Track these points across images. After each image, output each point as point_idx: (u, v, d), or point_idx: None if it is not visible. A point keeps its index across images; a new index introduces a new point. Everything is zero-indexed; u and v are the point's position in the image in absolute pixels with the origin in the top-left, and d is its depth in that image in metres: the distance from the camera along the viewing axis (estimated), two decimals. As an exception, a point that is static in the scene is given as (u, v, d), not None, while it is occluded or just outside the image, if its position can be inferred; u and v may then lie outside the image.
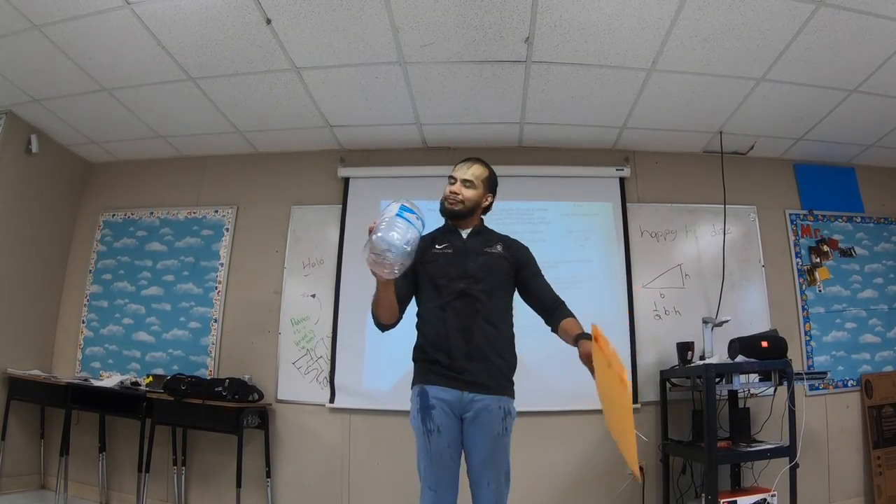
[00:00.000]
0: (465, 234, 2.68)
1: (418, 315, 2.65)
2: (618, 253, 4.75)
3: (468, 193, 2.65)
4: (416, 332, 2.64)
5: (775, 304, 4.67)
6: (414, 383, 2.55)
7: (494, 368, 2.46)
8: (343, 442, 4.51)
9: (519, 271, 2.65)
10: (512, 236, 2.79)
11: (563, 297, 2.65)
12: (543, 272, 2.71)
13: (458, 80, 4.09)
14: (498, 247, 2.65)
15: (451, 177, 2.68)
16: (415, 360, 2.60)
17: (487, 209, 2.77)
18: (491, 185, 2.74)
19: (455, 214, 2.66)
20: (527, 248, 2.75)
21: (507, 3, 3.32)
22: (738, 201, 4.83)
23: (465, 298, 2.50)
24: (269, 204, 5.10)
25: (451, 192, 2.65)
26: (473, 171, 2.67)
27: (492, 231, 2.77)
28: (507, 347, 2.56)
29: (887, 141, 4.72)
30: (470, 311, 2.49)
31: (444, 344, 2.44)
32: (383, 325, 2.55)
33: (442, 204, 2.68)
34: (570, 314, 2.56)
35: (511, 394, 2.52)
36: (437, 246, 2.63)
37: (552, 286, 2.68)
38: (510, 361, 2.56)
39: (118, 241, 5.23)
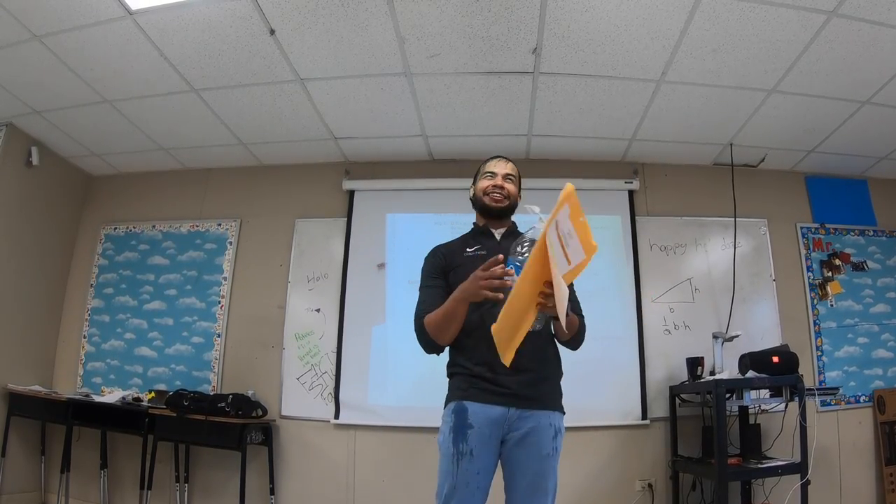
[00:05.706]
0: (498, 234, 2.46)
1: None
2: (626, 267, 4.71)
3: (511, 188, 2.47)
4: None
5: (786, 319, 4.62)
6: (450, 399, 2.24)
7: (542, 380, 2.22)
8: (348, 458, 4.46)
9: None
10: None
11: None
12: None
13: (464, 91, 4.05)
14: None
15: (489, 172, 2.49)
16: (451, 374, 2.30)
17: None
18: (520, 182, 2.59)
19: (502, 212, 2.46)
20: None
21: (515, 13, 3.29)
22: (748, 214, 4.79)
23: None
24: (273, 217, 5.07)
25: (494, 185, 2.44)
26: (511, 167, 2.51)
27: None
28: (553, 356, 2.31)
29: (900, 153, 4.69)
30: None
31: (485, 355, 2.11)
32: (442, 347, 2.29)
33: (480, 201, 2.47)
34: (580, 325, 2.30)
35: (561, 408, 2.27)
36: (468, 249, 2.39)
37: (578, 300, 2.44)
38: (558, 372, 2.32)
39: (120, 254, 5.19)
